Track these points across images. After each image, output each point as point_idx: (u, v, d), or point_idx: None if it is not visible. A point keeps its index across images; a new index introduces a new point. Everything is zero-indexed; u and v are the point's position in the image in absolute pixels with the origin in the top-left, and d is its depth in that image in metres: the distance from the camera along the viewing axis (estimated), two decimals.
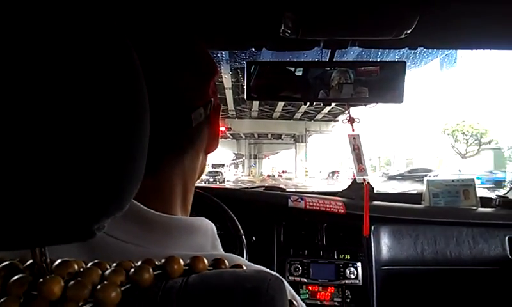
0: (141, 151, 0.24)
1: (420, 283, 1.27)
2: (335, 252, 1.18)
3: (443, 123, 24.02)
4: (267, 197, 1.33)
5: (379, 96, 0.94)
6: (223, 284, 0.26)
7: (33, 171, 0.19)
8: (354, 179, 1.28)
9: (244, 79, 0.95)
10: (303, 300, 0.37)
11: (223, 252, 0.41)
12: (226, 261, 0.31)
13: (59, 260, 0.26)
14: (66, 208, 0.21)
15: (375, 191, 1.39)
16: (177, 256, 0.28)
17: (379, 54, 1.28)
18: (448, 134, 23.15)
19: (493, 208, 1.32)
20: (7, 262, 0.26)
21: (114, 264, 0.27)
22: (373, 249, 1.18)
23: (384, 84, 0.93)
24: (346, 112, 1.11)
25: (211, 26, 0.85)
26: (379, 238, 1.20)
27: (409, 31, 0.74)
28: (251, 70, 0.94)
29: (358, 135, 1.16)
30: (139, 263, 0.27)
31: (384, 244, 1.20)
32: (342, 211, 1.22)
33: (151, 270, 0.27)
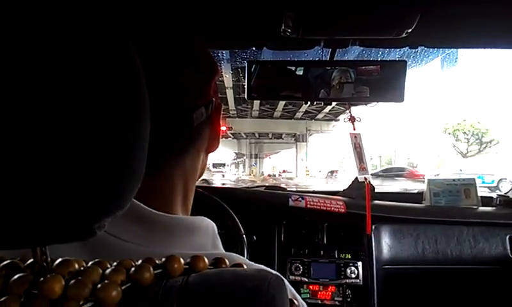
0: (142, 150, 0.24)
1: (420, 282, 1.27)
2: (336, 252, 1.18)
3: (444, 122, 24.00)
4: (268, 197, 1.33)
5: (380, 95, 0.94)
6: (223, 283, 0.26)
7: (34, 171, 0.19)
8: (355, 178, 1.28)
9: (244, 79, 0.95)
10: (303, 299, 0.37)
11: (224, 251, 0.41)
12: (226, 261, 0.31)
13: (59, 259, 0.26)
14: (67, 207, 0.21)
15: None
16: (178, 255, 0.28)
17: (380, 53, 1.28)
18: (449, 133, 23.11)
19: (494, 208, 1.32)
20: (8, 261, 0.26)
21: (115, 263, 0.27)
22: (374, 248, 1.17)
23: (385, 84, 0.93)
24: (347, 111, 1.11)
25: (212, 25, 0.85)
26: (379, 237, 1.20)
27: (409, 30, 0.74)
28: (252, 70, 0.94)
29: (360, 134, 1.16)
30: (140, 262, 0.27)
31: (385, 243, 1.20)
32: (343, 210, 1.22)
33: (151, 269, 0.27)
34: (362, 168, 1.17)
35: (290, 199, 1.25)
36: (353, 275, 1.15)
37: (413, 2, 0.68)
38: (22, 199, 0.19)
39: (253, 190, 1.46)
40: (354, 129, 1.14)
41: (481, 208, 1.30)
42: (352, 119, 1.12)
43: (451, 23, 0.81)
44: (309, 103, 1.00)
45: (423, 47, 0.91)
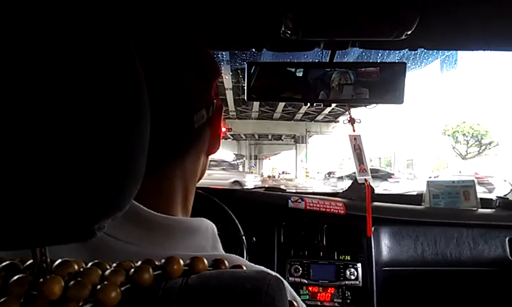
0: (141, 151, 0.24)
1: (420, 284, 1.27)
2: (335, 253, 1.18)
3: (443, 124, 24.02)
4: (268, 198, 1.33)
5: (380, 97, 0.95)
6: (222, 284, 0.26)
7: (33, 171, 0.19)
8: (355, 180, 1.28)
9: (244, 80, 0.95)
10: (303, 301, 0.37)
11: (224, 252, 0.41)
12: (226, 262, 0.31)
13: (59, 260, 0.26)
14: (66, 208, 0.21)
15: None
16: (177, 256, 0.28)
17: (380, 55, 1.28)
18: (448, 135, 23.13)
19: (494, 210, 1.32)
20: (7, 262, 0.26)
21: (114, 264, 0.27)
22: (373, 250, 1.17)
23: (384, 85, 0.93)
24: (347, 113, 1.11)
25: (212, 27, 0.85)
26: (379, 239, 1.20)
27: (409, 32, 0.74)
28: (252, 71, 0.94)
29: (359, 135, 1.17)
30: (139, 263, 0.27)
31: (385, 245, 1.20)
32: (342, 212, 1.22)
33: (151, 270, 0.27)
34: (362, 169, 1.18)
35: (289, 201, 1.25)
36: (353, 277, 1.15)
37: (413, 4, 0.68)
38: (21, 200, 0.19)
39: (253, 192, 1.46)
40: (354, 131, 1.14)
41: (480, 210, 1.30)
42: (351, 121, 1.12)
43: (450, 25, 0.81)
44: (309, 104, 1.00)
45: (422, 49, 0.92)
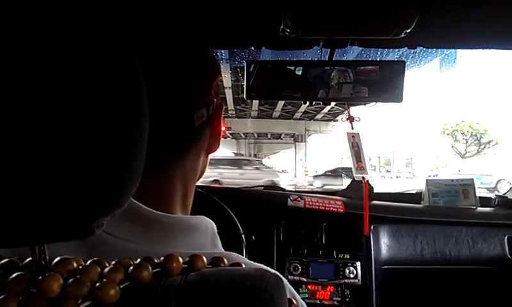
0: (140, 149, 0.24)
1: (419, 282, 1.27)
2: (335, 252, 1.18)
3: (442, 123, 24.06)
4: (267, 197, 1.33)
5: (379, 95, 0.95)
6: (222, 282, 0.26)
7: (32, 169, 0.19)
8: (354, 178, 1.28)
9: (243, 78, 0.95)
10: (302, 299, 0.37)
11: (223, 250, 0.41)
12: (225, 260, 0.31)
13: (58, 258, 0.26)
14: (65, 206, 0.21)
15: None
16: (176, 254, 0.28)
17: (379, 53, 1.28)
18: (447, 134, 23.17)
19: (493, 208, 1.33)
20: (6, 260, 0.26)
21: (113, 262, 0.27)
22: (372, 248, 1.18)
23: (383, 84, 0.93)
24: (346, 111, 1.11)
25: (210, 25, 0.85)
26: (378, 237, 1.20)
27: (408, 31, 0.74)
28: (251, 69, 0.94)
29: (358, 133, 1.17)
30: (138, 261, 0.27)
31: (384, 244, 1.20)
32: (341, 210, 1.22)
33: (150, 268, 0.27)
34: (360, 167, 1.18)
35: (289, 199, 1.25)
36: (352, 275, 1.15)
37: (412, 3, 0.68)
38: (20, 198, 0.19)
39: (252, 190, 1.46)
40: (353, 128, 1.14)
41: (479, 209, 1.30)
42: (350, 119, 1.12)
43: (450, 23, 0.81)
44: (308, 103, 1.00)
45: (422, 48, 0.92)
